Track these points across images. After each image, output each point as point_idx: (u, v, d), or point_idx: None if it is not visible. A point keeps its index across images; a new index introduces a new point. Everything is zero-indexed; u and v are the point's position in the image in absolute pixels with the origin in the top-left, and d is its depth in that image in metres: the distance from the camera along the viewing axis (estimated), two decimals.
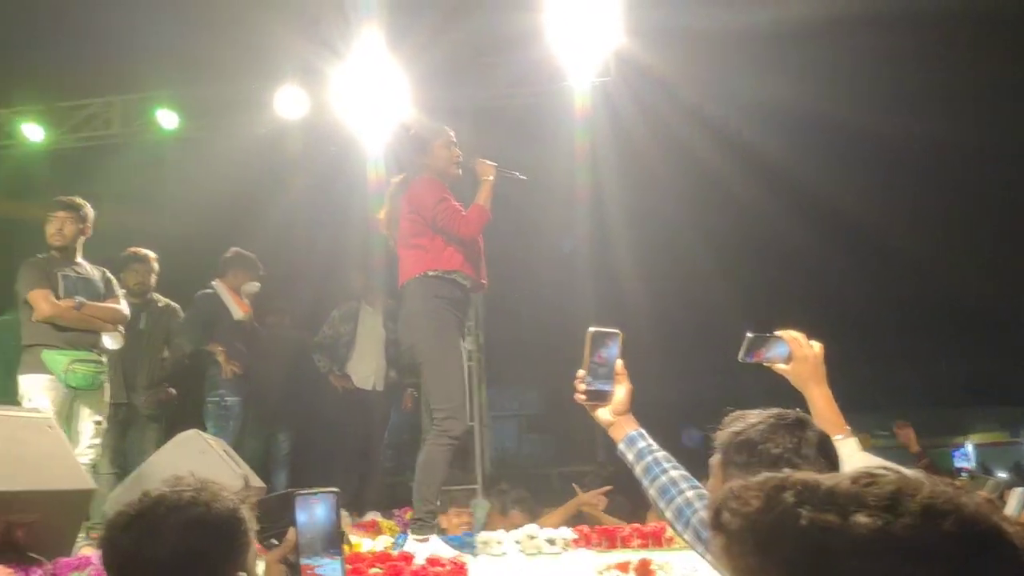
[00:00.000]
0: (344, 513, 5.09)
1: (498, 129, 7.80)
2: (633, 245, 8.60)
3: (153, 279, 5.63)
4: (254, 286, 5.94)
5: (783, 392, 2.13)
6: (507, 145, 7.94)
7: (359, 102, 6.69)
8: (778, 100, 7.15)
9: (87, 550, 3.56)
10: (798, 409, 1.83)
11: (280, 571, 1.63)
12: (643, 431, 1.96)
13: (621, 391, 1.96)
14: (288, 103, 7.04)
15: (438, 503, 4.01)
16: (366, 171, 6.10)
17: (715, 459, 1.76)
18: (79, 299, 4.71)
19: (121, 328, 4.95)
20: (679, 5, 6.37)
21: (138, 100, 7.50)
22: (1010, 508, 2.97)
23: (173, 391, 5.67)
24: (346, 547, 3.50)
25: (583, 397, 1.95)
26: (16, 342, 4.83)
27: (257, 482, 4.01)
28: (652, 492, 1.88)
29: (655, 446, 1.95)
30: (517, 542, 3.81)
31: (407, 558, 3.12)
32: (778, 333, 2.14)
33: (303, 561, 1.66)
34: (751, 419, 1.74)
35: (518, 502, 5.04)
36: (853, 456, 1.94)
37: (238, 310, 5.85)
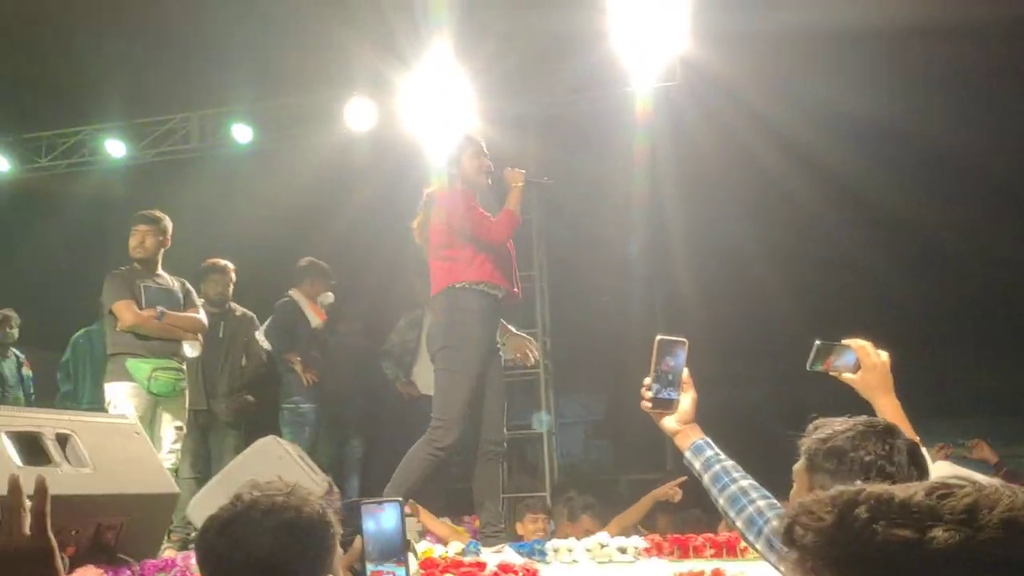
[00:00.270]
0: (412, 520, 5.16)
1: (561, 135, 7.82)
2: (696, 252, 8.51)
3: (231, 289, 5.80)
4: (329, 296, 6.08)
5: (848, 401, 2.11)
6: (569, 151, 7.97)
7: (425, 112, 6.78)
8: (847, 108, 6.99)
9: (169, 552, 3.69)
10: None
11: None
12: (709, 440, 1.96)
13: (687, 400, 1.97)
14: (357, 115, 7.17)
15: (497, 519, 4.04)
16: (431, 181, 6.17)
17: (799, 466, 1.76)
18: (160, 309, 4.87)
19: (200, 336, 5.11)
20: (748, 7, 6.29)
21: (214, 115, 7.73)
22: None
23: (251, 398, 5.82)
24: (412, 554, 3.55)
25: (649, 405, 1.96)
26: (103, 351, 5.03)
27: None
28: (722, 501, 1.88)
29: (722, 455, 1.95)
30: (588, 550, 3.80)
31: (480, 565, 3.14)
32: (845, 342, 2.13)
33: (369, 568, 1.69)
34: (838, 426, 1.73)
35: (587, 508, 5.03)
36: (933, 466, 1.91)
37: (315, 318, 6.00)
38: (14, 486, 1.26)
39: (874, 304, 9.03)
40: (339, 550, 1.60)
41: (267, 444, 4.02)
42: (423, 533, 4.58)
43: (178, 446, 4.92)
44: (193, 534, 4.24)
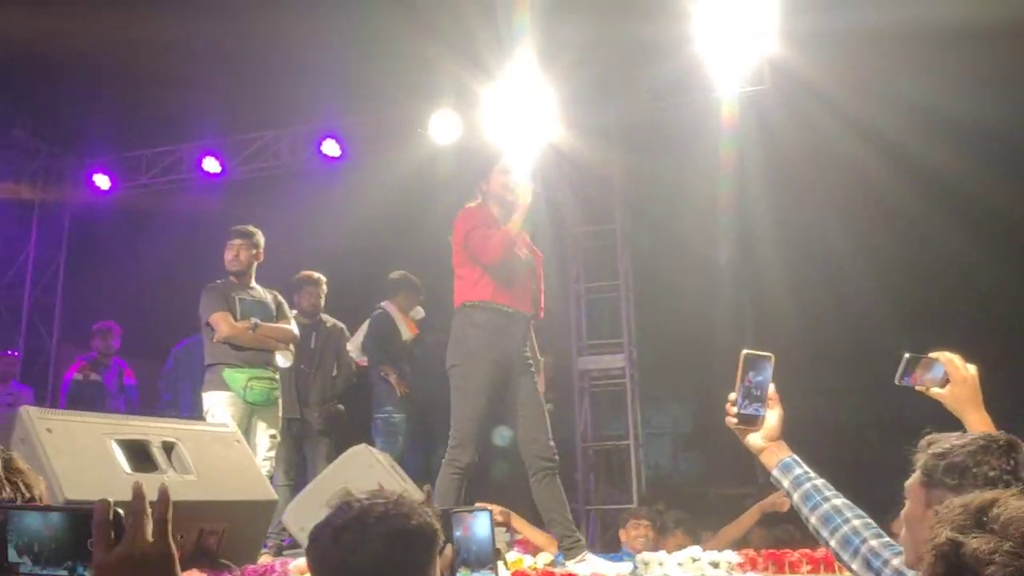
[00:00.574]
0: (501, 530, 5.16)
1: (645, 142, 7.76)
2: (786, 259, 8.32)
3: (323, 300, 5.93)
4: (420, 311, 6.16)
5: (943, 415, 2.04)
6: (654, 158, 7.89)
7: (509, 123, 6.82)
8: (945, 108, 6.72)
9: (265, 558, 3.77)
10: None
11: None
12: (797, 457, 1.91)
13: (773, 416, 1.93)
14: (442, 127, 7.26)
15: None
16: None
17: (914, 481, 1.69)
18: (254, 320, 4.99)
19: (291, 347, 5.22)
20: (838, 6, 6.11)
21: (303, 131, 7.95)
22: None
23: (341, 407, 5.92)
24: (502, 563, 3.55)
25: (734, 421, 1.92)
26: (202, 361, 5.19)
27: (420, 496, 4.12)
28: (813, 520, 1.85)
29: (812, 473, 1.91)
30: (679, 564, 3.73)
31: None
32: (933, 355, 2.06)
33: None
34: (955, 441, 1.67)
35: (680, 523, 4.95)
36: None
37: (407, 331, 6.09)
38: (137, 493, 1.29)
39: (976, 311, 8.65)
40: (443, 556, 1.61)
41: (359, 452, 4.08)
42: (512, 543, 4.58)
43: (272, 453, 5.02)
44: (293, 539, 4.36)
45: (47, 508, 1.39)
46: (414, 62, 6.72)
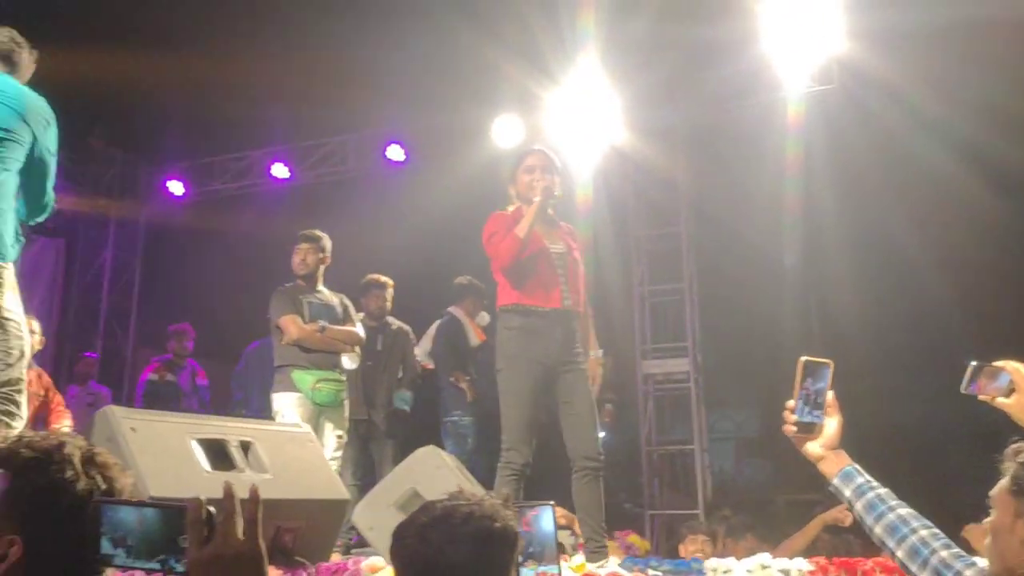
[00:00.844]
0: (566, 532, 5.16)
1: (710, 144, 7.69)
2: (855, 261, 8.15)
3: (390, 303, 6.01)
4: (485, 317, 6.20)
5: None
6: (719, 160, 7.81)
7: (571, 126, 6.82)
8: (1021, 105, 6.51)
9: (335, 556, 3.84)
10: None
11: None
12: (858, 466, 1.88)
13: (832, 424, 1.89)
14: (504, 131, 7.31)
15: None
16: (575, 194, 6.19)
17: (1003, 490, 1.65)
18: (322, 323, 5.07)
19: (357, 349, 5.30)
20: (907, 2, 5.97)
21: (369, 137, 8.08)
22: None
23: (407, 409, 6.00)
24: (565, 560, 3.55)
25: (793, 429, 1.89)
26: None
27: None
28: (878, 531, 1.80)
29: (875, 482, 1.87)
30: (748, 571, 3.68)
31: None
32: (999, 364, 2.01)
33: (524, 573, 1.70)
34: None
35: (751, 528, 4.88)
36: None
37: (475, 337, 6.14)
38: (228, 493, 1.32)
39: None
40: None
41: (427, 454, 4.11)
42: (576, 546, 4.58)
43: (339, 454, 5.09)
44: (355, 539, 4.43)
45: (141, 503, 1.43)
46: (478, 67, 6.78)
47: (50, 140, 3.02)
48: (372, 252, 7.19)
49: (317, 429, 4.99)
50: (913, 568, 1.74)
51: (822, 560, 3.77)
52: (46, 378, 5.36)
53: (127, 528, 1.38)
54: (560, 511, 4.82)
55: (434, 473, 3.93)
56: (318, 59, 7.21)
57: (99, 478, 1.44)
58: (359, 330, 5.28)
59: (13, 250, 2.83)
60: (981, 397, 2.03)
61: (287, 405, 4.95)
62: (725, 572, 3.70)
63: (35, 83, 3.13)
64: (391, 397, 5.84)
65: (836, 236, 8.15)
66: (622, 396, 7.62)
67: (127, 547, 1.37)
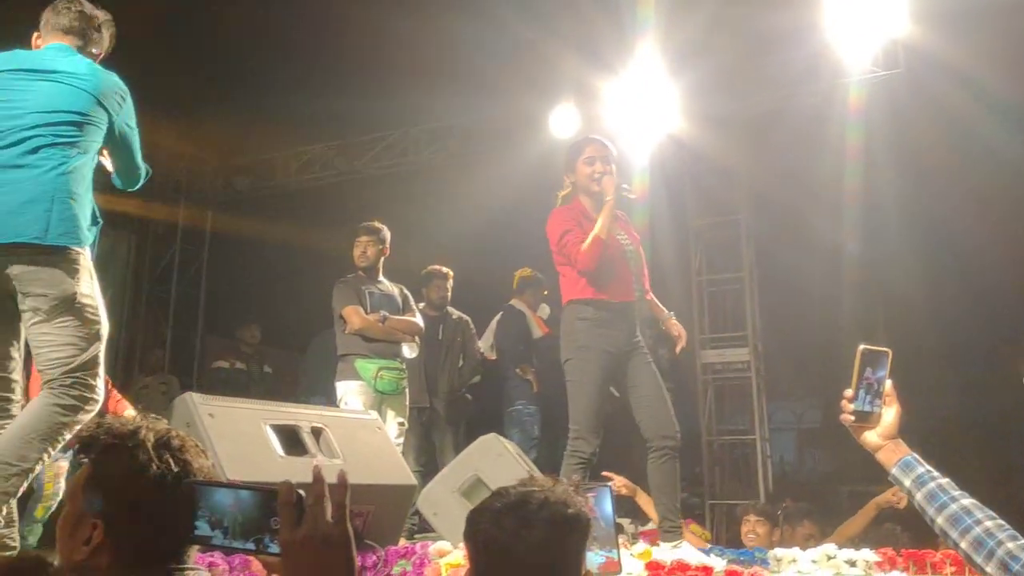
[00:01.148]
0: (626, 521, 5.19)
1: (771, 132, 7.59)
2: (918, 250, 7.98)
3: (450, 294, 6.09)
4: (546, 309, 6.25)
5: None
6: (780, 148, 7.70)
7: (629, 116, 6.79)
8: None
9: (401, 541, 3.93)
10: None
11: None
12: (917, 456, 1.85)
13: (890, 413, 1.86)
14: (562, 122, 7.31)
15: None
16: (631, 184, 6.16)
17: None
18: (383, 313, 5.16)
19: (417, 339, 5.39)
20: None
21: (429, 129, 8.16)
22: None
23: (469, 397, 6.09)
24: (626, 547, 3.57)
25: (851, 418, 1.87)
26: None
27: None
28: (940, 521, 1.76)
29: (935, 472, 1.82)
30: (813, 561, 3.66)
31: (707, 569, 3.12)
32: None
33: (589, 557, 1.71)
34: None
35: (807, 514, 4.84)
36: None
37: (538, 329, 6.21)
38: (318, 477, 1.36)
39: None
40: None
41: (489, 441, 4.18)
42: (637, 535, 4.60)
43: (400, 440, 5.18)
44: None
45: (235, 485, 1.48)
46: (535, 58, 6.79)
47: (127, 115, 3.03)
48: (431, 243, 7.27)
49: (379, 416, 5.10)
50: (978, 560, 1.70)
51: (890, 551, 3.73)
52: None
53: (223, 510, 1.41)
54: (622, 480, 4.85)
55: (496, 460, 4.01)
56: (377, 53, 7.30)
57: (172, 461, 1.48)
58: (419, 320, 5.36)
59: (90, 234, 2.86)
60: None
61: (350, 393, 5.05)
62: (791, 562, 3.68)
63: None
64: (452, 385, 5.92)
65: (899, 224, 7.99)
66: (680, 386, 7.60)
67: (223, 528, 1.41)
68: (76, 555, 1.44)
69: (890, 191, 7.76)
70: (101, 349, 2.84)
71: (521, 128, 7.70)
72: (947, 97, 6.71)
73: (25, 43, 3.09)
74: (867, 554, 3.62)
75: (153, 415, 1.66)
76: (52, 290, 2.72)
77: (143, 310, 9.48)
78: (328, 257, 6.90)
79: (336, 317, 5.23)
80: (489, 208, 7.56)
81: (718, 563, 3.56)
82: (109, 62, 3.14)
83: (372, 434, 3.62)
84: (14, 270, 2.71)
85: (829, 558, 3.63)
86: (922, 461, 1.85)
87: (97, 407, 2.82)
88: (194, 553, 1.53)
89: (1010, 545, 1.65)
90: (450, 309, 6.11)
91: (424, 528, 4.56)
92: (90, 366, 2.77)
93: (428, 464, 5.55)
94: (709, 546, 4.09)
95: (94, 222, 2.91)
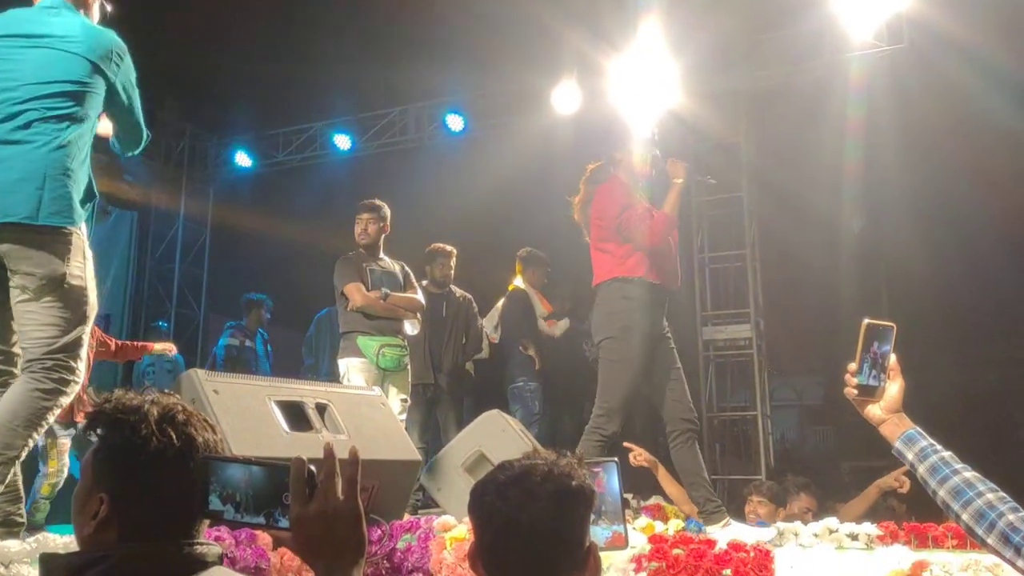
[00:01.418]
0: (629, 497, 5.21)
1: (773, 108, 7.55)
2: (920, 227, 7.96)
3: (453, 271, 6.10)
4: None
5: None
6: (782, 124, 7.67)
7: (631, 92, 6.75)
8: None
9: (405, 516, 3.95)
10: None
11: None
12: (920, 430, 1.86)
13: (894, 387, 1.87)
14: (564, 98, 7.28)
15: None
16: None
17: None
18: (385, 290, 5.16)
19: (418, 316, 5.40)
20: None
21: (429, 107, 8.13)
22: None
23: (472, 372, 6.12)
24: (629, 521, 3.59)
25: (854, 392, 1.88)
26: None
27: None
28: (942, 494, 1.77)
29: (938, 445, 1.83)
30: (815, 535, 3.68)
31: (710, 542, 3.14)
32: None
33: (596, 531, 1.73)
34: None
35: (803, 487, 4.87)
36: None
37: (541, 308, 6.23)
38: (328, 453, 1.37)
39: None
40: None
41: (492, 417, 4.20)
42: (639, 510, 4.63)
43: (403, 416, 5.19)
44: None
45: (248, 461, 1.47)
46: (537, 34, 6.75)
47: (125, 74, 2.92)
48: (433, 221, 7.26)
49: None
50: (979, 532, 1.71)
51: (891, 525, 3.75)
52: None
53: (235, 485, 1.42)
54: (643, 454, 4.88)
55: (500, 435, 4.03)
56: (378, 30, 7.27)
57: (174, 435, 1.46)
58: (420, 297, 5.37)
59: (84, 210, 2.80)
60: None
61: (353, 369, 5.06)
62: (794, 535, 3.71)
63: None
64: (456, 361, 5.95)
65: (902, 200, 7.97)
66: (683, 363, 7.62)
67: (235, 503, 1.42)
68: (85, 529, 1.45)
69: (893, 167, 7.74)
70: (86, 332, 2.81)
71: (523, 105, 7.66)
72: (951, 72, 6.68)
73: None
74: (869, 528, 3.64)
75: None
76: (40, 270, 2.69)
77: (146, 289, 9.50)
78: (330, 234, 6.90)
79: (338, 294, 5.24)
80: (490, 184, 7.55)
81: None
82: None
83: (376, 410, 3.63)
84: (3, 247, 2.69)
85: (831, 532, 3.65)
86: (925, 435, 1.86)
87: (77, 388, 2.79)
88: (203, 527, 1.54)
89: (1011, 517, 1.66)
90: (453, 287, 6.12)
91: (428, 504, 4.59)
92: (72, 348, 2.74)
93: (432, 441, 5.59)
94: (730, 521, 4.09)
95: (89, 197, 2.85)
